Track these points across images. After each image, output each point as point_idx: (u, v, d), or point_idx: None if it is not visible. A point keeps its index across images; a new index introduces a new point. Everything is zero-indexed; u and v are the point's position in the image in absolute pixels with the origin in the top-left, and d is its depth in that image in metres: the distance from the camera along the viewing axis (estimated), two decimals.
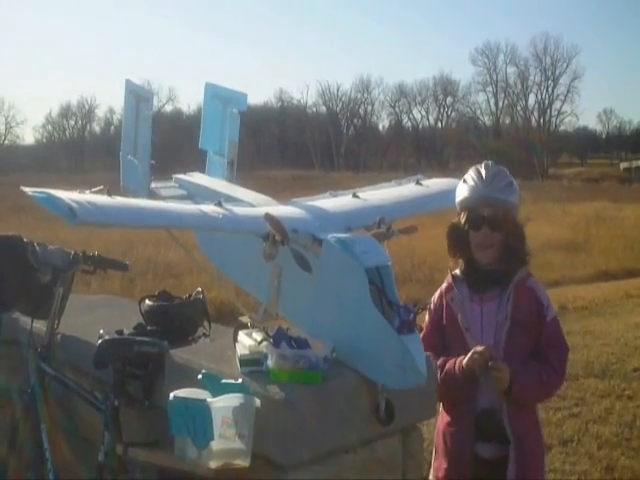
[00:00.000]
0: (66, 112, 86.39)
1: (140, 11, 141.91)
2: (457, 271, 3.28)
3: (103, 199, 2.63)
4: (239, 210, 2.89)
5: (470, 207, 3.16)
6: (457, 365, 3.11)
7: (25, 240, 3.40)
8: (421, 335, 3.20)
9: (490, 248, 3.15)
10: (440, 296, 3.31)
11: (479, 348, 3.05)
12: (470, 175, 3.20)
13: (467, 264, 3.23)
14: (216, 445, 2.43)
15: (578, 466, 5.44)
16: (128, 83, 3.65)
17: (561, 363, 3.24)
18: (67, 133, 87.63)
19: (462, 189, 3.21)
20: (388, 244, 2.90)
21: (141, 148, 3.57)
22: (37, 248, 3.33)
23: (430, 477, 3.34)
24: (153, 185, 3.58)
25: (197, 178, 3.75)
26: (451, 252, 3.27)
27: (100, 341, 2.93)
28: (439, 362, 3.15)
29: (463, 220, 3.17)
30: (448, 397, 3.20)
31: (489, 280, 3.18)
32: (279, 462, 2.53)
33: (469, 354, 3.07)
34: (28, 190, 2.48)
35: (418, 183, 3.65)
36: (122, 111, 3.79)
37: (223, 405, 2.43)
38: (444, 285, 3.32)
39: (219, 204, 2.82)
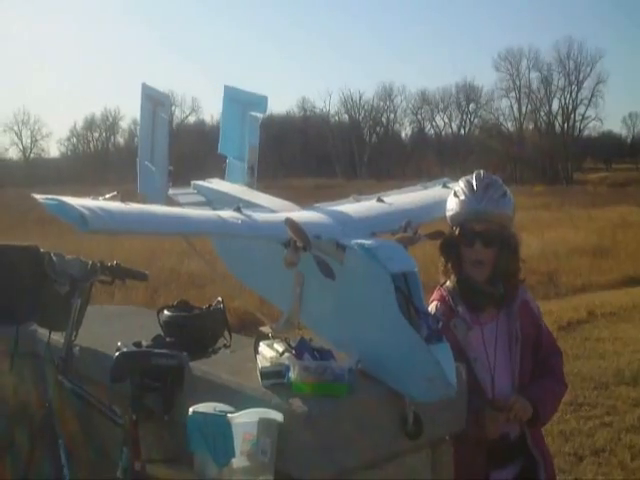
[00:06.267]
0: (90, 125, 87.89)
1: (164, 22, 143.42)
2: (448, 284, 3.09)
3: (116, 206, 2.54)
4: (259, 216, 2.78)
5: (462, 222, 2.98)
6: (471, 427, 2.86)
7: (42, 250, 3.33)
8: None
9: (483, 264, 2.97)
10: (442, 315, 2.98)
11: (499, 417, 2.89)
12: (460, 187, 3.01)
13: (460, 281, 3.04)
14: (237, 462, 2.35)
15: (611, 477, 5.33)
16: (144, 87, 3.56)
17: (561, 370, 3.19)
18: (91, 145, 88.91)
19: (453, 203, 3.01)
20: (412, 249, 2.76)
21: (158, 153, 3.48)
22: (54, 258, 3.26)
23: None
24: (171, 192, 3.49)
25: (216, 184, 3.67)
26: (443, 268, 3.09)
27: (117, 354, 2.85)
28: None
29: (456, 236, 3.00)
30: None
31: (487, 300, 3.01)
32: (302, 479, 2.43)
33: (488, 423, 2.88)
34: (39, 197, 2.40)
35: (445, 186, 3.51)
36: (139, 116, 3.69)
37: (244, 420, 2.36)
38: (440, 304, 3.06)
39: (238, 210, 2.72)
